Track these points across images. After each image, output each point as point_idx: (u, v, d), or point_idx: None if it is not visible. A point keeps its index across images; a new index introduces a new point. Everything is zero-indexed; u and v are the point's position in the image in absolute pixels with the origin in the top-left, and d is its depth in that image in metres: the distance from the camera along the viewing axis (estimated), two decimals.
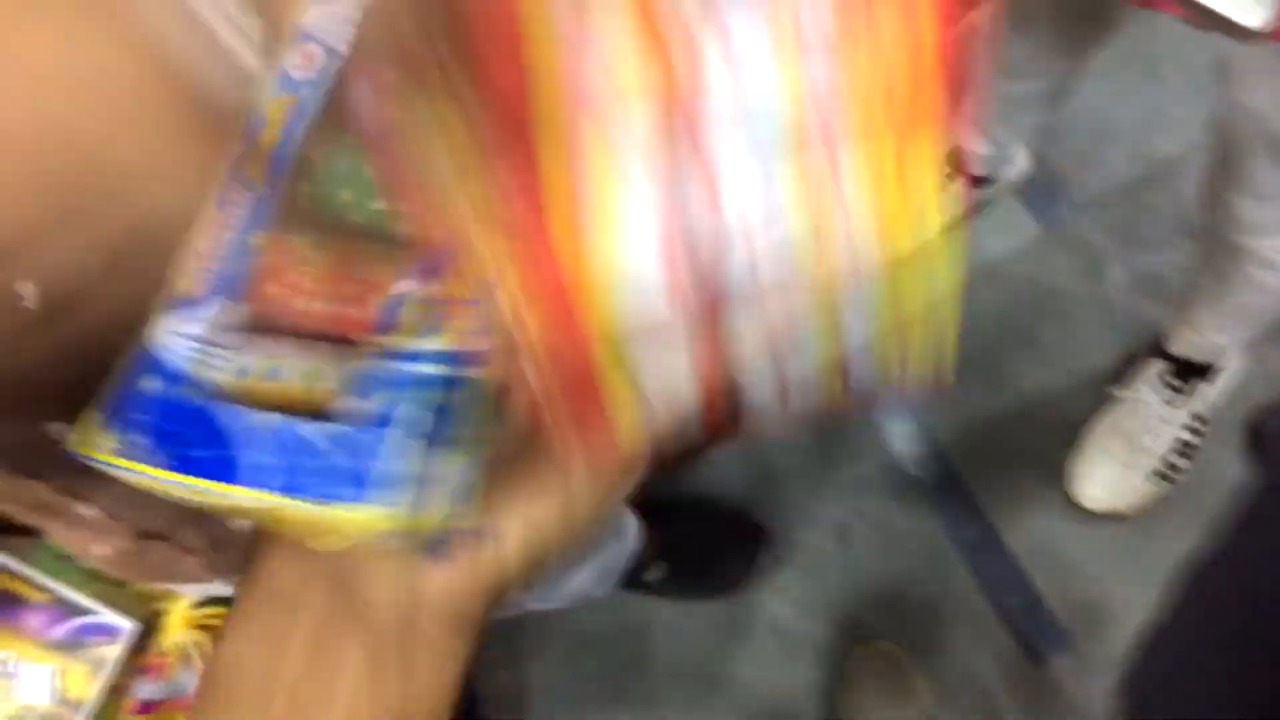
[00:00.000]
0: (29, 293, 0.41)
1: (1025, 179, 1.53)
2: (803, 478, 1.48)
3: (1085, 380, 1.46)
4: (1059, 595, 1.39)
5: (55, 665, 0.90)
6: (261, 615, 0.28)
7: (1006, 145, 1.42)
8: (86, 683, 0.90)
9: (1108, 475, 1.38)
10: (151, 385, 0.25)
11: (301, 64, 0.25)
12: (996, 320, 1.50)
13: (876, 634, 1.40)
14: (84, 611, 0.93)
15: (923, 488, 1.45)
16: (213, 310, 0.25)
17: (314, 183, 0.25)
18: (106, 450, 0.25)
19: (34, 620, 0.91)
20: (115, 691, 0.93)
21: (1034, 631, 1.38)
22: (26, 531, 1.02)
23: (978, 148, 1.41)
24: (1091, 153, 1.56)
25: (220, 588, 0.66)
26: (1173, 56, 1.55)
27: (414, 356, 0.25)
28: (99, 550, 0.60)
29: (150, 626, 0.95)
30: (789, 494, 1.48)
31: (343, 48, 0.26)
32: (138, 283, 0.48)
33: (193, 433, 0.24)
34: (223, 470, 0.24)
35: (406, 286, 0.25)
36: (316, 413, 0.24)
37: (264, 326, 0.25)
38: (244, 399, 0.24)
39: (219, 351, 0.24)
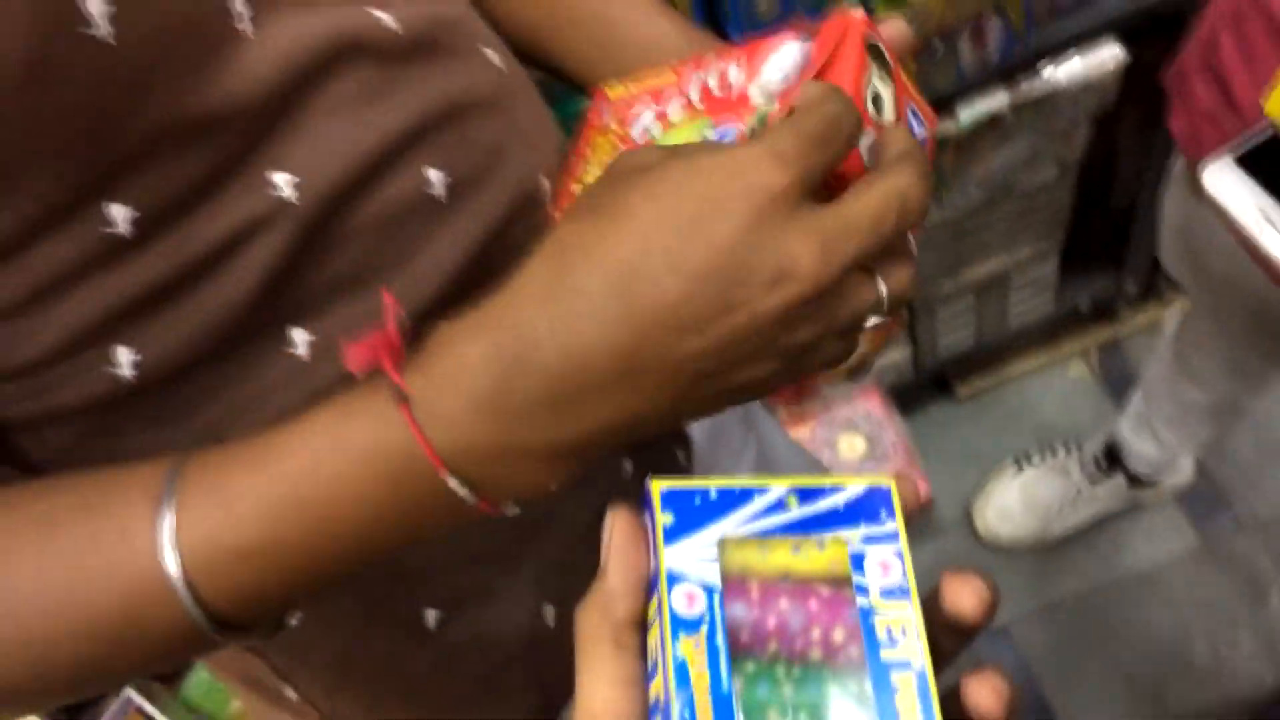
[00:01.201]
0: None
1: (1188, 488, 1.49)
2: None
3: (1240, 706, 1.36)
4: None
5: None
6: None
7: (1174, 450, 1.39)
8: None
9: None
10: None
11: (686, 605, 0.27)
12: (1148, 631, 1.43)
13: None
14: None
15: None
16: None
17: (756, 710, 0.27)
18: None
19: None
20: None
21: None
22: (165, 679, 1.02)
23: (1145, 447, 1.39)
24: (1259, 471, 1.52)
25: None
26: None
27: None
28: None
29: None
30: None
31: (717, 581, 0.28)
32: None
33: None
34: None
35: None
36: None
37: None
38: None
39: None
